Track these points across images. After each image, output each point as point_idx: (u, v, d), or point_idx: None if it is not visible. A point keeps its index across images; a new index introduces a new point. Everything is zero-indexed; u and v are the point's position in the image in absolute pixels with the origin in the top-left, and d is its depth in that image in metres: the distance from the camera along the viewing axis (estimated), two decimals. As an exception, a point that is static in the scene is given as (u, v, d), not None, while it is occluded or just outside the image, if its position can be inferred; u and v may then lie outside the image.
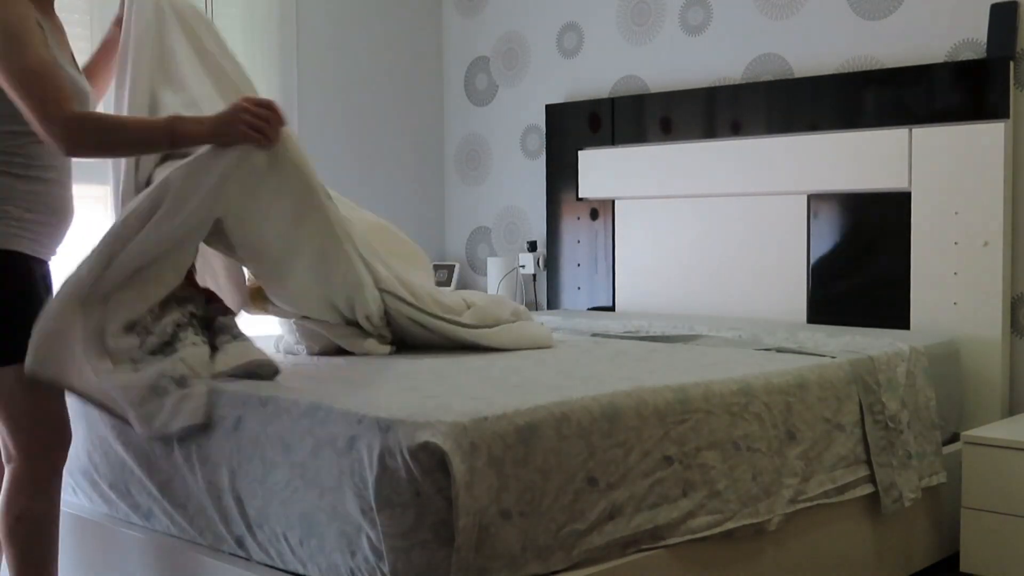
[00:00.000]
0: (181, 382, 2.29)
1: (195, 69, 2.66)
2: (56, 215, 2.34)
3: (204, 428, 2.26)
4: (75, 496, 2.64)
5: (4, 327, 2.24)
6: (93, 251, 2.36)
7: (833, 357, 2.84)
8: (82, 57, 2.59)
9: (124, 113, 2.56)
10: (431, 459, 1.86)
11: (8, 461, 2.29)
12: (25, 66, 2.15)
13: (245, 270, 2.77)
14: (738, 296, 3.88)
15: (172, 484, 2.34)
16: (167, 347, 2.35)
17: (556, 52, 4.57)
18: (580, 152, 4.30)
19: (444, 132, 5.03)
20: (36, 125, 2.19)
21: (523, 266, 4.55)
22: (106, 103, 2.70)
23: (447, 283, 4.70)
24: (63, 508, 2.40)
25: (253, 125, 2.34)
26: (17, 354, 2.24)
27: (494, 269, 4.55)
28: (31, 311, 2.27)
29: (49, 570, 2.29)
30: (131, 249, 2.34)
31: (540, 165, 4.60)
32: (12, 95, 2.18)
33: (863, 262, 3.61)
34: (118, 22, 2.66)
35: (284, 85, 4.35)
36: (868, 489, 2.74)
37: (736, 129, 3.91)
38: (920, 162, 3.44)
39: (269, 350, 2.73)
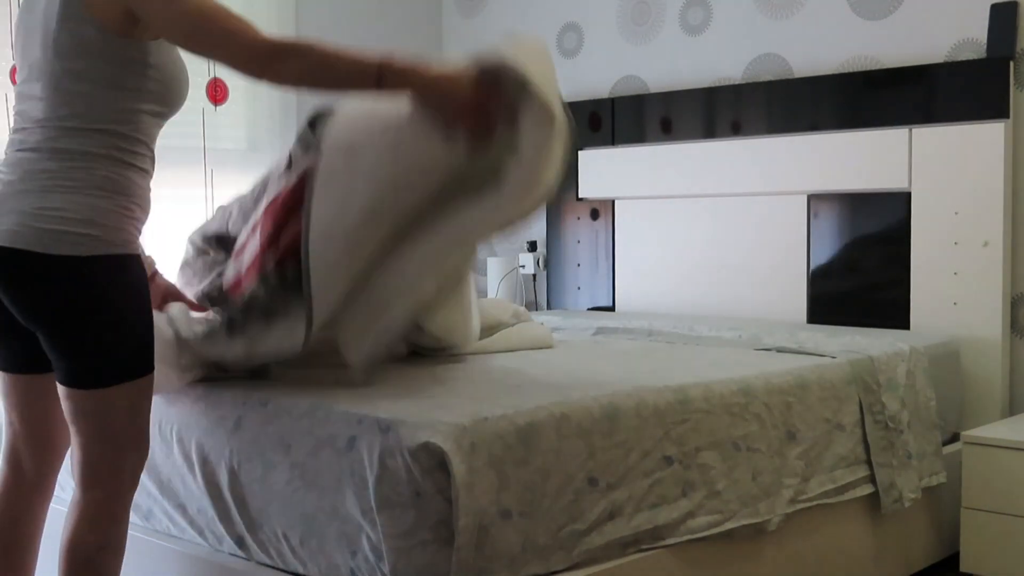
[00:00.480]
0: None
1: None
2: (148, 213, 2.05)
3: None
4: (75, 496, 2.63)
5: (132, 340, 1.97)
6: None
7: (833, 357, 2.84)
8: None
9: None
10: (431, 459, 1.86)
11: (90, 487, 2.01)
12: (205, 5, 1.89)
13: None
14: (738, 296, 3.88)
15: (172, 484, 2.34)
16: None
17: (556, 52, 4.56)
18: (580, 152, 4.30)
19: (444, 132, 5.02)
20: (227, 53, 1.91)
21: (523, 266, 4.55)
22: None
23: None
24: (59, 508, 2.38)
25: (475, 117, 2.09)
26: (142, 369, 1.99)
27: (494, 269, 4.55)
28: (151, 320, 2.02)
29: None
30: None
31: (540, 165, 4.59)
32: (192, 41, 1.92)
33: (863, 262, 3.61)
34: None
35: (284, 85, 4.35)
36: (868, 489, 2.74)
37: (736, 129, 3.90)
38: (920, 162, 3.44)
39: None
